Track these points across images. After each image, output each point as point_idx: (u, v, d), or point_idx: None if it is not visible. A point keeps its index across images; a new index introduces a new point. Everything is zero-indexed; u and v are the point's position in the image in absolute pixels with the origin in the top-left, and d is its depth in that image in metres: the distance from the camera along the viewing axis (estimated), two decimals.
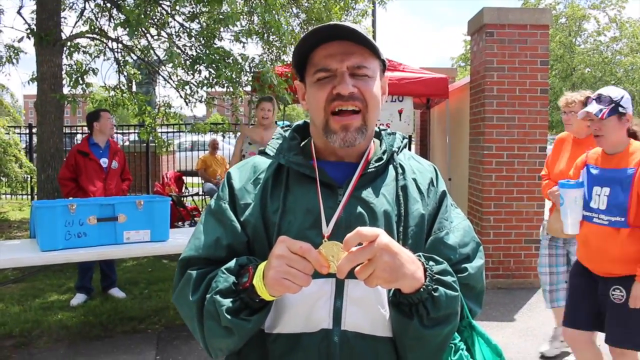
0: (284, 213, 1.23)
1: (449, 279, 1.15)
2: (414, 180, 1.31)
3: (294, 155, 1.29)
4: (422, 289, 1.10)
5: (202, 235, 1.28)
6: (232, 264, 1.17)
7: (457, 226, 1.30)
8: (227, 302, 1.12)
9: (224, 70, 6.02)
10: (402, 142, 1.38)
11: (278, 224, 1.22)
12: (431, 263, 1.16)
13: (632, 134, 2.97)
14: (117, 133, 13.32)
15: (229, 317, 1.11)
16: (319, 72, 1.22)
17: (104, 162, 5.27)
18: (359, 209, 1.22)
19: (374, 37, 10.79)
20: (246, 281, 1.12)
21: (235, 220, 1.25)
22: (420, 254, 1.18)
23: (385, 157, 1.30)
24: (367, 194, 1.24)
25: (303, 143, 1.37)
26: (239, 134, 6.22)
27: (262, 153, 1.37)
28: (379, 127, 1.39)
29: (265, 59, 7.25)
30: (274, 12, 6.16)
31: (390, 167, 1.32)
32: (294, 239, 1.07)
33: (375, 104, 1.24)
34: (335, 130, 1.22)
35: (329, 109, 1.21)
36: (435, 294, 1.12)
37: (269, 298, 1.11)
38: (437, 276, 1.14)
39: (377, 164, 1.28)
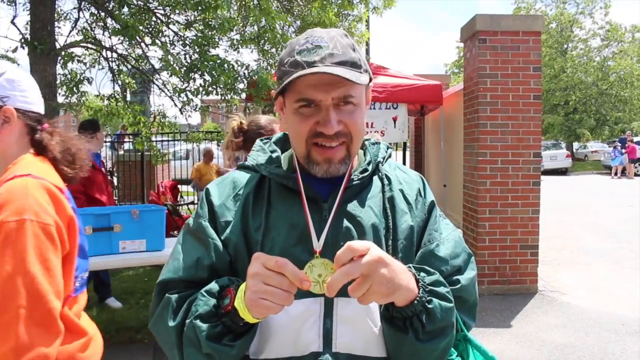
0: (266, 230, 1.16)
1: (442, 289, 1.10)
2: (401, 191, 1.26)
3: (276, 168, 1.23)
4: (415, 301, 1.05)
5: (181, 255, 1.20)
6: (212, 285, 1.10)
7: (447, 237, 1.25)
8: (207, 327, 1.05)
9: (219, 77, 6.03)
10: (386, 152, 1.32)
11: (261, 242, 1.15)
12: (422, 274, 1.11)
13: (37, 144, 1.63)
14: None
15: (210, 343, 1.05)
16: (301, 101, 1.12)
17: (103, 171, 5.35)
18: (346, 223, 1.17)
19: (367, 43, 10.82)
20: (228, 304, 1.05)
21: (217, 239, 1.18)
22: (411, 265, 1.13)
23: (370, 168, 1.24)
24: (353, 207, 1.19)
25: (283, 155, 1.30)
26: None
27: (242, 167, 1.31)
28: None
29: (261, 65, 7.27)
30: (268, 17, 6.19)
31: (376, 178, 1.26)
32: (271, 255, 1.00)
33: (360, 133, 1.18)
34: (317, 161, 1.16)
35: (311, 141, 1.15)
36: (430, 306, 1.07)
37: (252, 320, 1.04)
38: (430, 287, 1.09)
39: (361, 176, 1.22)
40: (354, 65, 1.12)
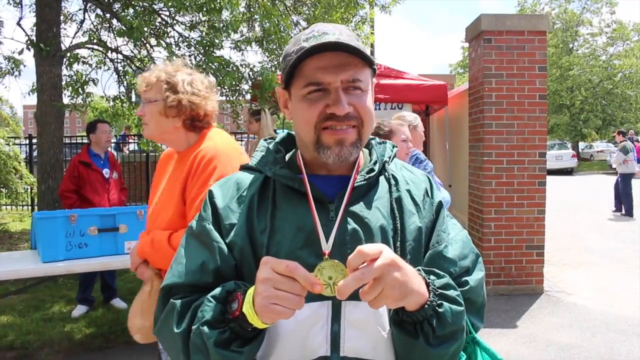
0: (272, 233, 1.13)
1: (452, 293, 1.08)
2: (408, 191, 1.23)
3: (281, 169, 1.19)
4: (426, 305, 1.03)
5: (184, 260, 1.17)
6: (218, 290, 1.07)
7: (455, 238, 1.22)
8: (215, 334, 1.03)
9: (224, 78, 6.05)
10: (392, 151, 1.30)
11: (266, 245, 1.12)
12: (432, 277, 1.08)
13: None
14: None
15: (218, 349, 1.02)
16: (310, 85, 1.11)
17: (106, 172, 5.28)
18: (353, 224, 1.14)
19: (372, 45, 10.82)
20: (236, 309, 1.02)
21: (222, 242, 1.15)
22: (420, 267, 1.10)
23: (376, 168, 1.22)
24: (361, 208, 1.16)
25: (288, 156, 1.28)
26: (242, 142, 6.25)
27: (246, 168, 1.27)
28: None
29: (265, 66, 7.28)
30: (273, 18, 6.20)
31: (382, 178, 1.24)
32: (281, 259, 0.97)
33: (371, 118, 1.16)
34: (329, 145, 1.13)
35: (320, 126, 1.12)
36: (440, 310, 1.05)
37: (261, 326, 1.01)
38: (440, 291, 1.07)
39: (368, 176, 1.20)
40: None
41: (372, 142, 1.30)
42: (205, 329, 1.03)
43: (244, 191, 1.21)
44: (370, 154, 1.28)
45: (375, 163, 1.23)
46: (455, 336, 1.09)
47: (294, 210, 1.16)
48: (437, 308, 1.05)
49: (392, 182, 1.23)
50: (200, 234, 1.19)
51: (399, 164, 1.31)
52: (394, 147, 1.32)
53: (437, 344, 1.06)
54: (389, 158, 1.27)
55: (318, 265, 0.99)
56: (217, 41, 6.53)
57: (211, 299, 1.06)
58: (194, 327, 1.06)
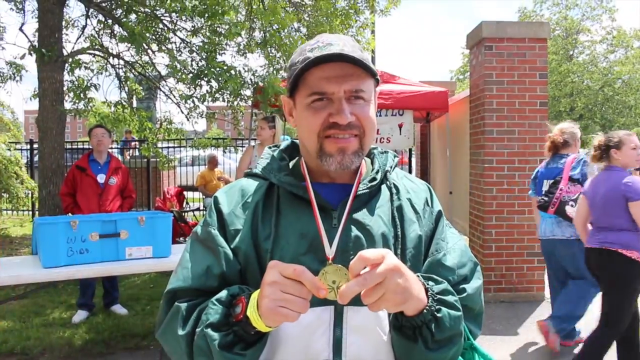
0: (276, 239, 1.16)
1: (450, 298, 1.11)
2: (409, 200, 1.27)
3: (285, 176, 1.23)
4: (425, 311, 1.06)
5: (190, 264, 1.19)
6: (223, 294, 1.09)
7: (453, 247, 1.25)
8: (219, 336, 1.04)
9: (226, 83, 6.07)
10: (394, 160, 1.33)
11: (271, 251, 1.15)
12: (431, 283, 1.11)
13: None
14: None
15: (222, 352, 1.04)
16: (314, 95, 1.15)
17: (100, 177, 5.26)
18: (356, 231, 1.17)
19: (373, 50, 10.85)
20: (239, 312, 1.04)
21: (227, 247, 1.17)
22: (419, 274, 1.13)
23: (378, 177, 1.25)
24: (363, 216, 1.19)
25: (292, 163, 1.31)
26: (243, 148, 6.24)
27: (250, 175, 1.30)
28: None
29: (268, 72, 7.29)
30: (277, 15, 6.22)
31: (384, 187, 1.27)
32: (288, 264, 0.99)
33: (372, 128, 1.19)
34: (331, 153, 1.16)
35: (323, 134, 1.16)
36: (439, 315, 1.07)
37: (265, 329, 1.03)
38: (438, 296, 1.09)
39: (370, 185, 1.23)
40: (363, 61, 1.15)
41: (374, 151, 1.34)
42: (210, 331, 1.05)
43: (248, 197, 1.23)
44: (372, 163, 1.31)
45: (377, 172, 1.26)
46: (453, 340, 1.11)
47: (297, 217, 1.18)
48: (435, 313, 1.07)
49: (394, 190, 1.26)
50: (206, 239, 1.21)
51: (400, 174, 1.34)
52: (395, 157, 1.35)
53: (435, 348, 1.08)
54: (391, 167, 1.31)
55: (322, 270, 1.00)
56: (222, 44, 6.55)
57: (216, 302, 1.08)
58: (198, 329, 1.08)
